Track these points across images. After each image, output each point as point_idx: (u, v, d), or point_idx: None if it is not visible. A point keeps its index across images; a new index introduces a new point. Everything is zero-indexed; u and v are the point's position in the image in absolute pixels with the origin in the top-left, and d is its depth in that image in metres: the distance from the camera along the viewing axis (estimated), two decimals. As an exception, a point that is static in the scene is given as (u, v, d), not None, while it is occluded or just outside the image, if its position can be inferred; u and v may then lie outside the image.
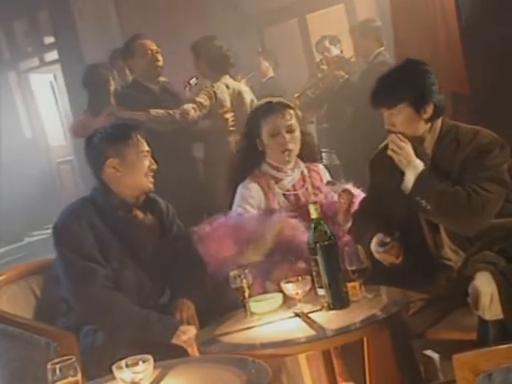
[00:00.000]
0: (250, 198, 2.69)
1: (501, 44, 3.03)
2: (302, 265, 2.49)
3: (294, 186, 2.77)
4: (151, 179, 2.50)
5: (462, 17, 3.07)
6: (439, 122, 2.36)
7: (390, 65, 4.13)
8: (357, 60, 4.99)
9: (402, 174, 2.35)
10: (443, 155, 2.32)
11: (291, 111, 2.75)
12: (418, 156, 2.33)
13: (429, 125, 2.34)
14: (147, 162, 2.49)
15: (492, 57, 3.02)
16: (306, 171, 2.81)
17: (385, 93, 2.34)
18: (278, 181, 2.75)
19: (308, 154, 2.85)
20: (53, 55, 8.27)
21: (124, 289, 2.38)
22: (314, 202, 2.18)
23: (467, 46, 3.04)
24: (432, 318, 2.26)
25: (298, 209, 2.70)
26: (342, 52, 5.33)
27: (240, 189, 2.73)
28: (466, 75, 2.91)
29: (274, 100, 2.80)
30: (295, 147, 2.74)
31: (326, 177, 2.86)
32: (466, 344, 2.05)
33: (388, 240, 2.30)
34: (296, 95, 4.86)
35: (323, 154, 4.97)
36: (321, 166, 2.89)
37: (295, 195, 2.75)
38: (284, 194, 2.73)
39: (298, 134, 2.74)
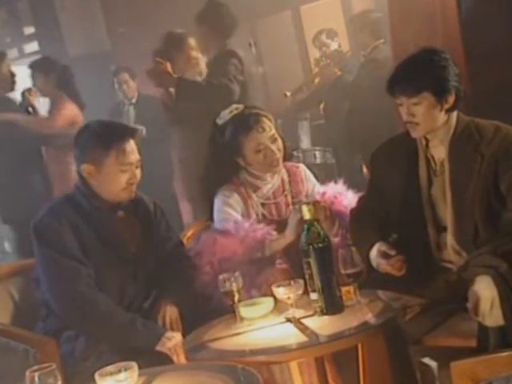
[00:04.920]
0: (230, 203, 2.66)
1: (503, 39, 3.04)
2: (283, 266, 2.51)
3: (273, 193, 2.73)
4: (132, 190, 2.43)
5: (463, 10, 3.08)
6: (455, 115, 2.34)
7: (384, 60, 4.17)
8: (354, 54, 4.99)
9: (407, 168, 2.35)
10: (463, 150, 2.30)
11: (266, 120, 2.68)
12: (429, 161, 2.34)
13: (446, 117, 2.32)
14: (126, 176, 2.39)
15: (494, 52, 3.02)
16: (286, 176, 2.77)
17: (405, 79, 2.28)
18: (256, 189, 2.71)
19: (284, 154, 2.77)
20: (33, 46, 8.22)
21: (106, 291, 2.37)
22: (307, 203, 2.18)
23: (467, 41, 3.05)
24: (430, 324, 2.26)
25: (279, 218, 2.68)
26: (340, 46, 5.33)
27: (219, 196, 2.69)
28: (465, 71, 2.91)
29: (237, 110, 2.69)
30: (281, 154, 2.70)
31: (307, 175, 2.81)
32: (465, 351, 2.06)
33: (393, 253, 2.29)
34: (288, 94, 4.85)
35: (317, 153, 4.98)
36: (301, 166, 2.84)
37: (275, 203, 2.72)
38: (262, 203, 2.69)
39: (280, 140, 2.70)
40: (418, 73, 2.28)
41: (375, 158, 2.54)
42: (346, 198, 2.72)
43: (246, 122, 2.66)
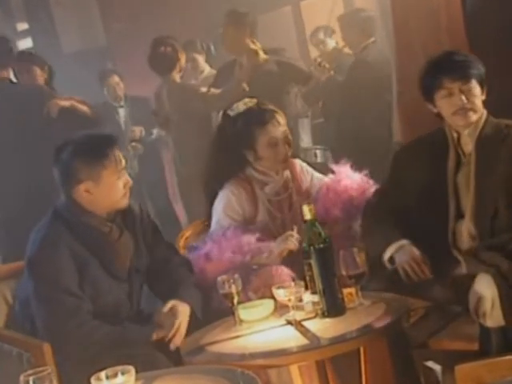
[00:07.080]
0: (235, 204, 2.68)
1: (508, 35, 3.05)
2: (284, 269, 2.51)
3: (277, 191, 2.75)
4: (128, 194, 2.41)
5: (467, 5, 3.09)
6: (484, 112, 2.44)
7: (374, 61, 4.23)
8: (345, 53, 5.00)
9: (435, 162, 2.42)
10: (490, 140, 2.39)
11: (279, 116, 2.73)
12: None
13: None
14: (122, 181, 2.38)
15: (500, 47, 3.03)
16: (289, 175, 2.79)
17: (458, 66, 2.39)
18: (262, 186, 2.74)
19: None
20: (27, 43, 8.22)
21: (102, 311, 2.33)
22: (308, 203, 2.19)
23: (472, 35, 3.05)
24: (434, 327, 2.27)
25: (282, 215, 2.71)
26: (337, 43, 5.33)
27: (225, 192, 2.70)
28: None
29: (252, 103, 2.73)
30: (291, 151, 2.76)
31: (303, 168, 2.84)
32: (470, 354, 2.07)
33: (427, 262, 2.34)
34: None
35: (317, 152, 4.98)
36: (296, 160, 2.86)
37: (278, 201, 2.74)
38: (269, 200, 2.72)
39: (290, 137, 2.75)
40: (465, 62, 2.40)
41: (399, 158, 2.60)
42: (353, 181, 2.76)
43: (262, 116, 2.70)
